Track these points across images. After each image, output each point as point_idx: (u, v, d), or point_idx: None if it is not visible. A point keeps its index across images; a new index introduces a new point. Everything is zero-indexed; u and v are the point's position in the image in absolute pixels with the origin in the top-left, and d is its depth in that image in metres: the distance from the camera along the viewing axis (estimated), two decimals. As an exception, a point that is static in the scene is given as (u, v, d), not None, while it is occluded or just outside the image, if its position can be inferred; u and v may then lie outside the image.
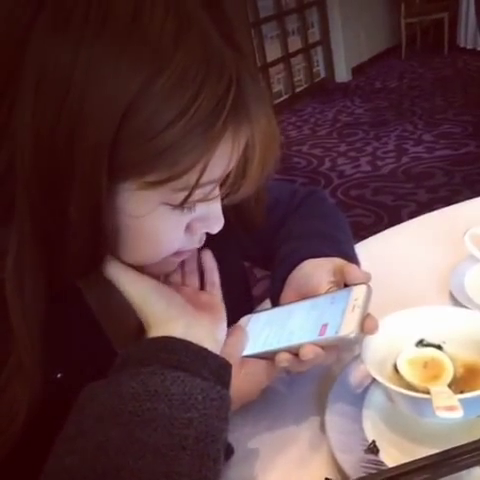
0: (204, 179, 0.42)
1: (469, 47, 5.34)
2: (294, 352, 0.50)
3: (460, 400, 0.44)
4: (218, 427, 0.42)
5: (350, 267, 0.55)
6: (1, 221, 0.43)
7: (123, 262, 0.49)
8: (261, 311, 0.60)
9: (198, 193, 0.43)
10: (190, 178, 0.42)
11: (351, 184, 3.13)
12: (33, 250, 0.43)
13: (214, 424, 0.42)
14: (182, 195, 0.43)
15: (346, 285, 0.56)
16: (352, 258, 0.62)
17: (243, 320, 0.58)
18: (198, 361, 0.44)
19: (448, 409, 0.43)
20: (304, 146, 3.85)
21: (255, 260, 0.79)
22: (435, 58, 5.49)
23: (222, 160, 0.43)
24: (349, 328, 0.49)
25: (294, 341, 0.51)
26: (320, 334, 0.50)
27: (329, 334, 0.49)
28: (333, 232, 0.67)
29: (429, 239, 0.86)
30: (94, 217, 0.42)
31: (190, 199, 0.43)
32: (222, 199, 0.49)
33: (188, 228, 0.49)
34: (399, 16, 5.65)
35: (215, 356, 0.46)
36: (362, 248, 0.66)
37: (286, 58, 4.92)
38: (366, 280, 0.53)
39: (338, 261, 0.58)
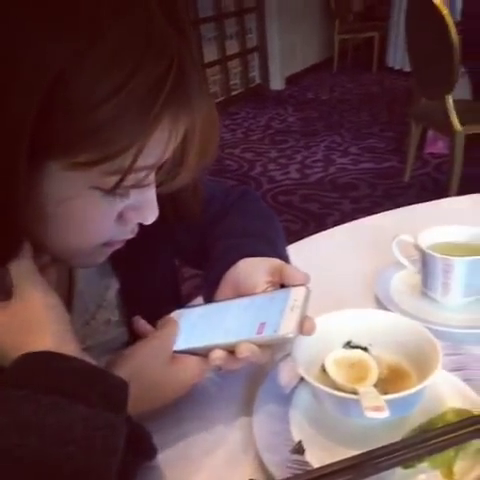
0: (139, 163, 0.40)
1: (397, 67, 5.61)
2: (229, 349, 0.49)
3: (386, 401, 0.45)
4: (104, 462, 0.36)
5: (289, 268, 0.55)
6: None
7: (51, 253, 0.46)
8: (194, 306, 0.59)
9: (131, 178, 0.41)
10: (123, 162, 0.39)
11: (280, 190, 3.19)
12: None
13: (98, 460, 0.36)
14: (114, 179, 0.40)
15: (282, 286, 0.56)
16: (286, 259, 0.63)
17: (175, 314, 0.57)
18: (83, 383, 0.38)
19: (375, 409, 0.44)
20: (236, 149, 3.88)
21: (187, 259, 0.78)
22: (364, 75, 5.73)
23: (159, 145, 0.41)
24: (288, 328, 0.48)
25: (230, 338, 0.50)
26: (258, 332, 0.49)
27: (267, 333, 0.49)
28: (268, 232, 0.67)
29: (355, 246, 0.88)
30: (9, 199, 0.38)
31: (122, 184, 0.41)
32: (157, 187, 0.47)
33: (120, 217, 0.46)
34: (333, 31, 5.84)
35: (105, 375, 0.40)
36: (290, 251, 0.66)
37: (223, 61, 4.94)
38: (305, 282, 0.53)
39: (276, 261, 0.58)
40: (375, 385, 0.51)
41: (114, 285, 0.63)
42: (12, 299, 0.42)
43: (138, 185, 0.43)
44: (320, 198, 3.03)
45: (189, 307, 0.59)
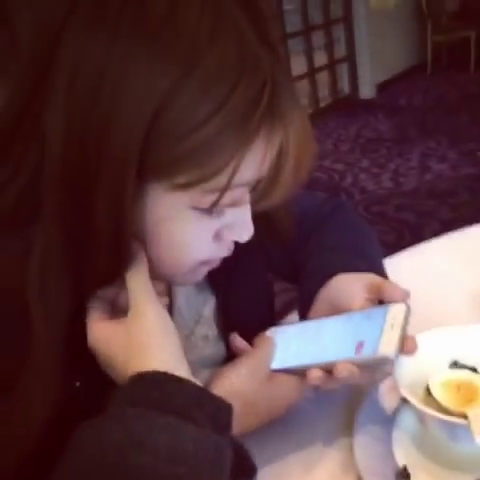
0: (235, 181, 0.41)
1: (496, 66, 5.27)
2: (326, 369, 0.48)
3: (500, 427, 0.42)
4: None
5: (388, 284, 0.54)
6: (27, 222, 0.42)
7: (150, 272, 0.48)
8: (289, 324, 0.58)
9: (228, 196, 0.42)
10: (221, 179, 0.40)
11: (373, 200, 3.10)
12: (59, 253, 0.42)
13: None
14: (212, 198, 0.41)
15: (380, 303, 0.54)
16: (384, 274, 0.61)
17: (271, 331, 0.57)
18: (194, 404, 0.39)
19: (488, 436, 0.41)
20: (326, 161, 3.83)
21: (281, 273, 0.78)
22: (461, 76, 5.45)
23: (255, 162, 0.42)
24: (389, 347, 0.47)
25: (328, 357, 0.49)
26: (356, 352, 0.48)
27: (366, 352, 0.48)
28: (364, 246, 0.65)
29: (457, 258, 0.84)
30: (119, 221, 0.40)
31: (220, 202, 0.42)
32: (252, 205, 0.48)
33: (217, 235, 0.47)
34: (426, 34, 5.63)
35: (213, 397, 0.41)
36: (387, 265, 0.64)
37: (311, 73, 4.93)
38: (405, 298, 0.51)
39: (373, 277, 0.56)
40: (486, 409, 0.48)
41: (211, 301, 0.64)
42: (128, 316, 0.44)
43: (235, 203, 0.43)
44: (416, 207, 2.91)
45: (284, 325, 0.59)
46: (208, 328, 0.65)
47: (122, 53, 0.37)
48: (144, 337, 0.43)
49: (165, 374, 0.40)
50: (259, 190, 0.45)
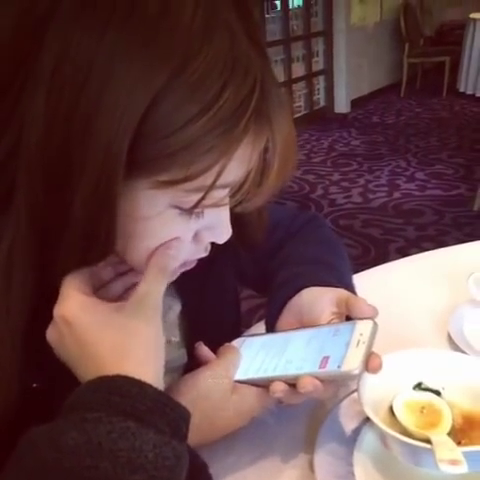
0: (220, 182, 0.40)
1: (469, 92, 5.43)
2: (290, 382, 0.47)
3: (464, 453, 0.42)
4: None
5: (357, 300, 0.53)
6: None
7: (125, 262, 0.46)
8: (256, 335, 0.57)
9: (211, 197, 0.41)
10: (205, 180, 0.39)
11: (341, 214, 3.13)
12: (27, 244, 0.40)
13: None
14: (194, 198, 0.40)
15: (348, 318, 0.53)
16: (353, 290, 0.60)
17: (237, 342, 0.56)
18: (155, 410, 0.38)
19: (452, 463, 0.41)
20: (298, 171, 3.86)
21: (248, 281, 0.76)
22: (433, 99, 5.59)
23: (240, 164, 0.41)
24: (353, 364, 0.46)
25: (292, 371, 0.48)
26: (321, 367, 0.47)
27: (331, 368, 0.47)
28: (335, 261, 0.64)
29: (426, 279, 0.84)
30: (100, 215, 0.39)
31: (202, 203, 0.41)
32: (232, 208, 0.47)
33: (195, 236, 0.46)
34: (402, 55, 5.75)
35: (175, 404, 0.39)
36: (355, 281, 0.63)
37: (288, 83, 4.96)
38: (373, 315, 0.51)
39: (342, 292, 0.55)
40: (448, 433, 0.48)
41: (176, 306, 0.63)
42: (127, 305, 0.42)
43: (216, 204, 0.43)
44: (383, 223, 2.95)
45: (251, 336, 0.57)
46: (171, 333, 0.63)
47: (114, 42, 0.35)
48: (134, 340, 0.41)
49: (125, 378, 0.38)
50: (242, 192, 0.44)
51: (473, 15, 5.31)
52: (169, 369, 0.61)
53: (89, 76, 0.35)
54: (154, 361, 0.42)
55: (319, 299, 0.55)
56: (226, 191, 0.43)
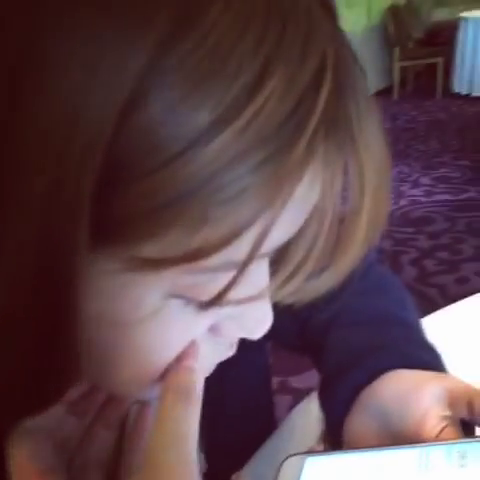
0: (261, 251, 0.20)
1: (463, 93, 5.33)
2: None
3: None
4: None
5: None
6: None
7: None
8: (316, 453, 0.36)
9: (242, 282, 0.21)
10: (233, 253, 0.20)
11: (346, 225, 2.95)
12: None
13: None
14: (212, 285, 0.21)
15: (464, 424, 0.33)
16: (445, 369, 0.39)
17: (288, 463, 0.34)
18: None
19: None
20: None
21: (279, 337, 0.56)
22: (428, 101, 5.47)
23: (296, 219, 0.22)
24: None
25: None
26: None
27: None
28: (413, 320, 0.43)
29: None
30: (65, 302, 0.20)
31: (226, 295, 0.21)
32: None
33: (212, 329, 0.26)
34: (392, 59, 5.63)
35: None
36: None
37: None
38: None
39: (453, 381, 0.34)
40: None
41: None
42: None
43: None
44: (392, 234, 2.75)
45: (309, 454, 0.36)
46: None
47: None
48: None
49: None
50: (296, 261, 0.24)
51: (464, 14, 5.23)
52: None
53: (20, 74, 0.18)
54: None
55: (417, 392, 0.34)
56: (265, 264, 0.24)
